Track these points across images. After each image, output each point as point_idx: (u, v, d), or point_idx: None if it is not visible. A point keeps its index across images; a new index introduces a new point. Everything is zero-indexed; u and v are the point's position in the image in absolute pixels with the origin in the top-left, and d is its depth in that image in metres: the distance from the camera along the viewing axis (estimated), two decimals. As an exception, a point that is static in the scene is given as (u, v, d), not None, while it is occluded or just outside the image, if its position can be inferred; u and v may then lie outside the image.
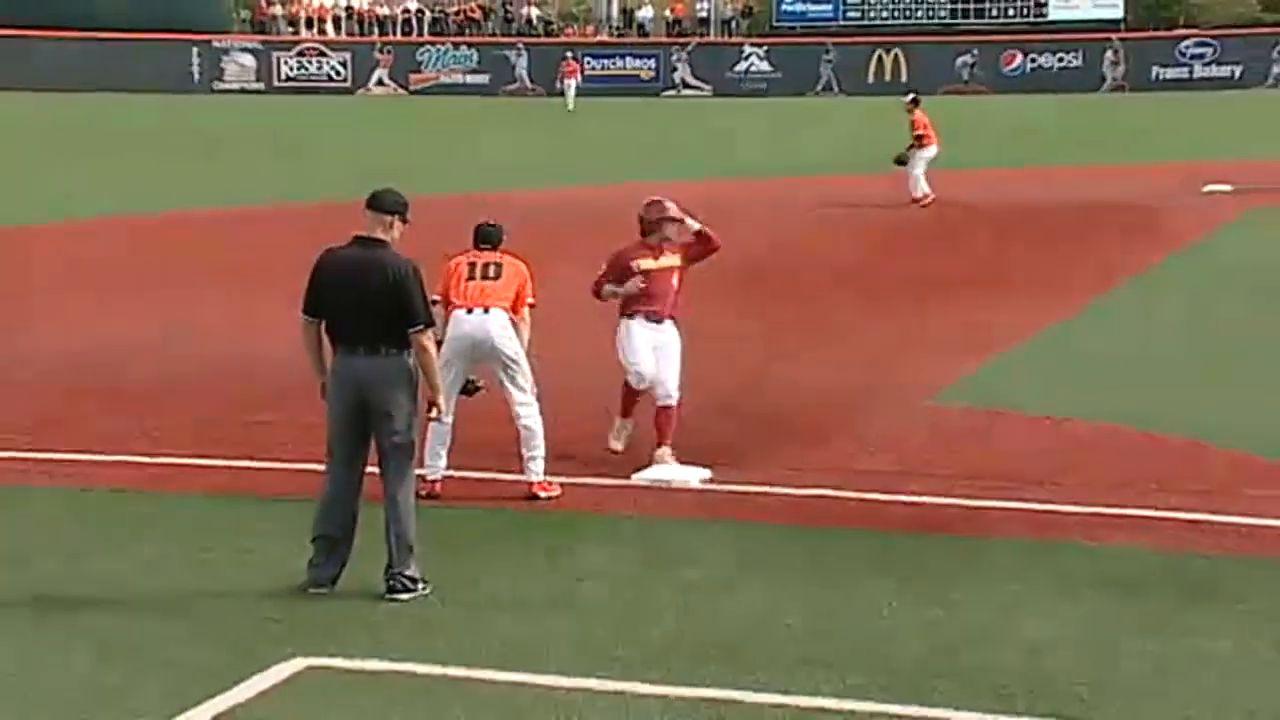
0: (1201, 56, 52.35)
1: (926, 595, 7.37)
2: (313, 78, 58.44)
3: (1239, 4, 68.75)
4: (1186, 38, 55.26)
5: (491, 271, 9.17)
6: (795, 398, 10.58)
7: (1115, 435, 10.25)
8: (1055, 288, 16.22)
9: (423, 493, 9.04)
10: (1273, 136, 34.10)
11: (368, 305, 7.39)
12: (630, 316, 9.69)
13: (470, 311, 9.06)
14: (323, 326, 7.58)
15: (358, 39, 62.55)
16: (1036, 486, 9.14)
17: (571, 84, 49.76)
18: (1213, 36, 55.30)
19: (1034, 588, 7.45)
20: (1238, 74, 51.71)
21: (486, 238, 9.36)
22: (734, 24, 64.93)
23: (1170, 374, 12.15)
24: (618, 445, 9.65)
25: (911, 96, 25.97)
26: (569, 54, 54.29)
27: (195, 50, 57.53)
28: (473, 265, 9.21)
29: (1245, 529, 8.26)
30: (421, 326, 7.50)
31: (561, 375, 11.82)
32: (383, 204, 7.59)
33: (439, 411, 7.89)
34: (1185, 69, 50.52)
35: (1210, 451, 9.79)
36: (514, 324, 9.15)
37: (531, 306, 9.29)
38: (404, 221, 7.61)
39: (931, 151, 24.30)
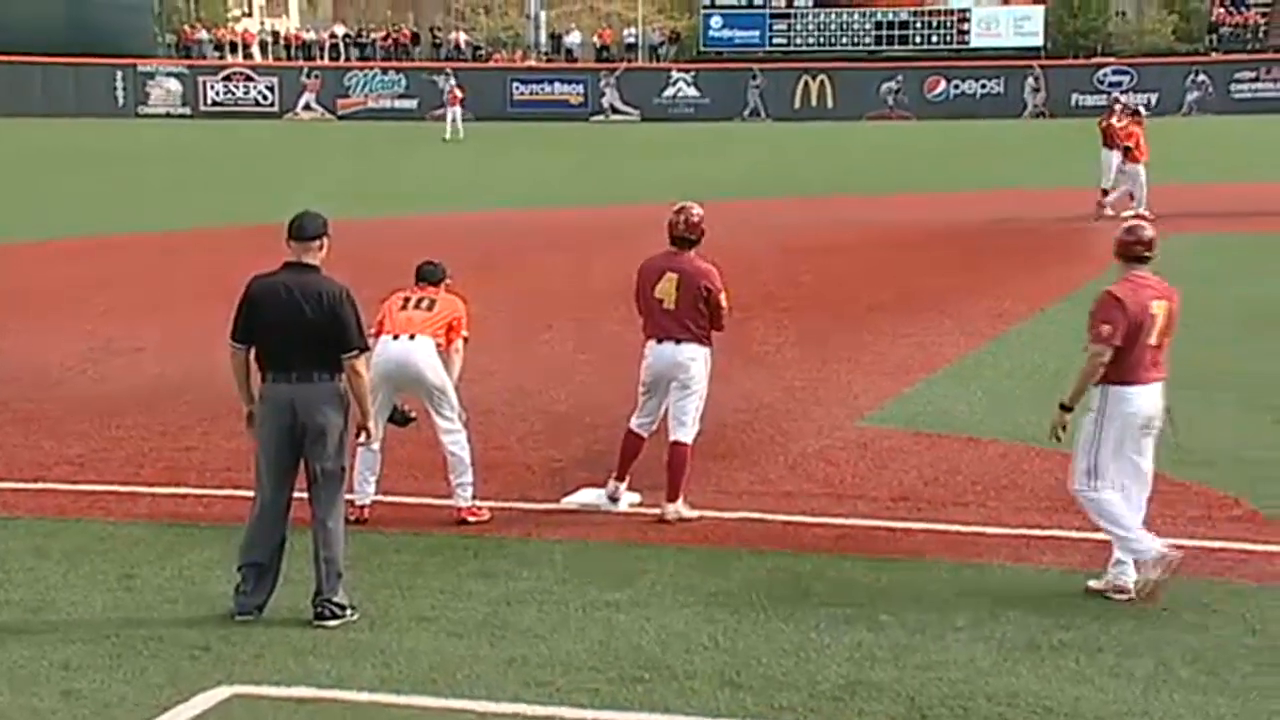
0: (1119, 84, 53.18)
1: (854, 617, 7.40)
2: (240, 102, 58.06)
3: (1154, 34, 70.04)
4: (1104, 66, 56.19)
5: (425, 304, 9.18)
6: (724, 420, 10.59)
7: (1040, 456, 10.35)
8: (983, 310, 16.40)
9: (351, 518, 8.98)
10: (1189, 163, 34.72)
11: (302, 330, 7.34)
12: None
13: (396, 338, 9.04)
14: (251, 353, 7.52)
15: (285, 63, 62.27)
16: (964, 508, 9.22)
17: (454, 112, 48.23)
18: (1129, 65, 56.29)
19: (961, 609, 7.50)
20: (1154, 101, 52.56)
21: (426, 276, 9.36)
22: (662, 50, 65.28)
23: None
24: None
25: (1134, 109, 26.17)
26: (451, 82, 53.89)
27: (119, 74, 57.00)
28: (407, 299, 9.23)
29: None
30: (357, 352, 7.46)
31: (493, 397, 11.81)
32: (306, 230, 7.54)
33: (369, 436, 7.86)
34: (1103, 96, 51.25)
35: (1131, 472, 9.89)
36: (443, 355, 9.12)
37: (465, 340, 9.25)
38: (326, 240, 7.58)
39: (1137, 168, 24.47)
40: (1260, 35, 59.03)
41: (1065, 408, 7.81)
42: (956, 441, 10.85)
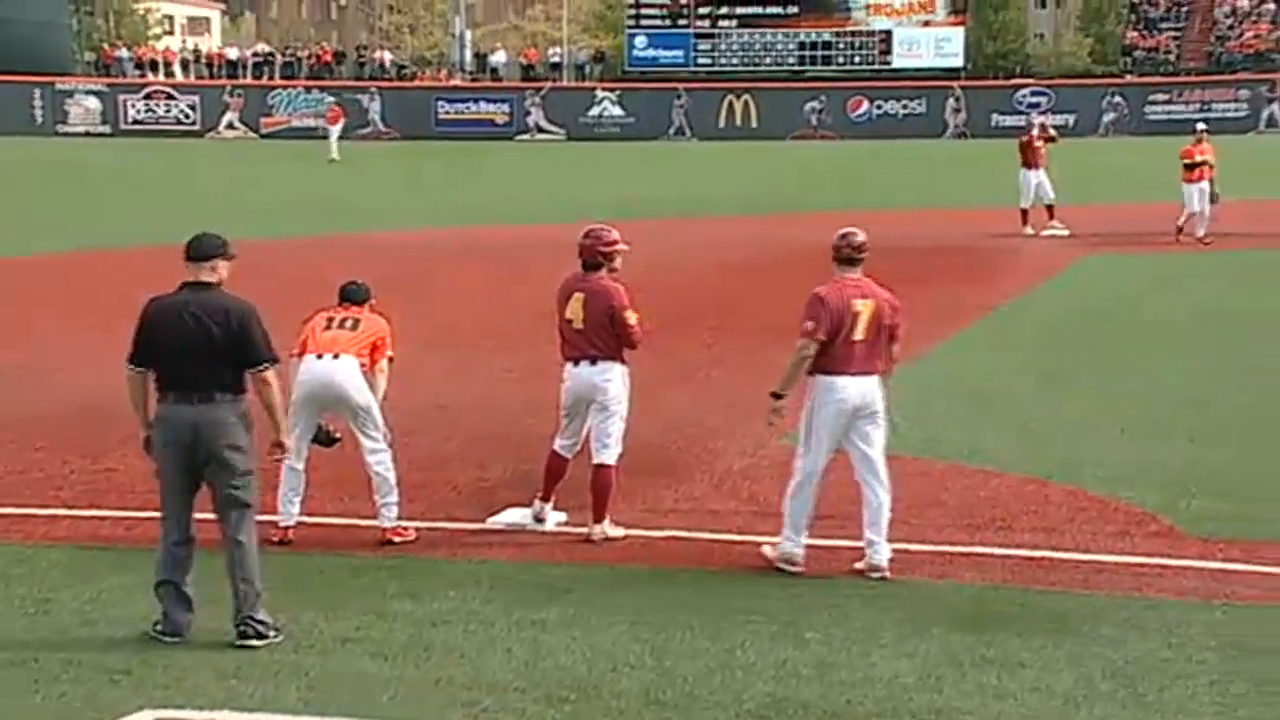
0: (1038, 105, 53.95)
1: (778, 634, 7.43)
2: (161, 121, 57.52)
3: (1071, 56, 71.22)
4: (1023, 87, 57.00)
5: (349, 324, 9.11)
6: (650, 438, 10.60)
7: (961, 474, 10.45)
8: (910, 327, 16.46)
9: (275, 539, 8.91)
10: (1104, 183, 35.27)
11: (207, 350, 7.26)
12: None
13: (320, 357, 8.98)
14: (150, 376, 7.42)
15: (207, 82, 61.77)
16: (888, 526, 9.27)
17: (335, 130, 47.25)
18: (1048, 86, 57.14)
19: (884, 626, 7.55)
20: (1071, 122, 53.38)
21: (350, 296, 9.30)
22: (587, 69, 65.41)
23: (1012, 414, 12.44)
24: None
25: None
26: (332, 100, 53.55)
27: (38, 92, 56.28)
28: (331, 319, 9.16)
29: (1084, 564, 8.47)
30: (267, 364, 7.40)
31: (418, 417, 11.75)
32: (202, 251, 7.46)
33: (284, 450, 7.78)
34: (1022, 117, 51.94)
35: (1051, 489, 10.04)
36: (368, 375, 9.07)
37: (390, 360, 9.20)
38: (227, 260, 7.51)
39: (1195, 188, 24.22)
40: (1172, 58, 60.13)
41: (776, 395, 8.45)
42: (880, 459, 10.91)
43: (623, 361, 9.11)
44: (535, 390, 12.06)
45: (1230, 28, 60.34)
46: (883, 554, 8.32)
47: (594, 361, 9.03)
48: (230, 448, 7.29)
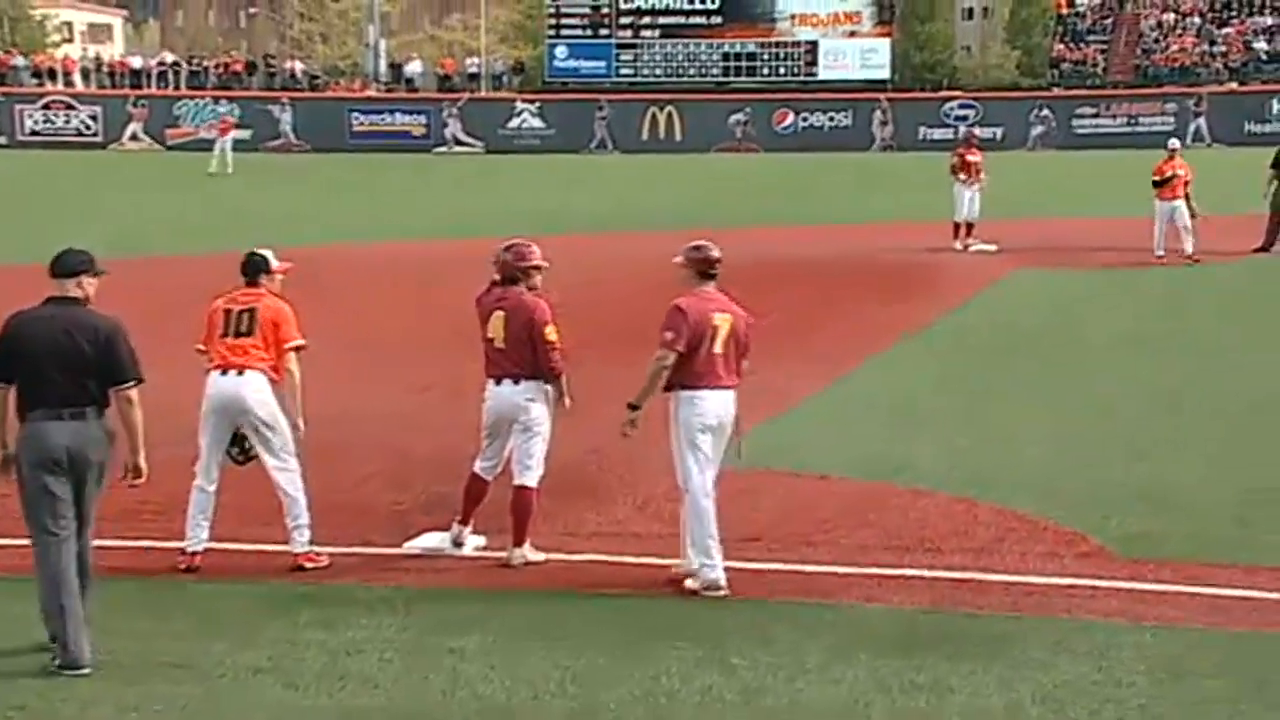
0: (965, 118, 54.56)
1: (703, 660, 7.45)
2: (60, 132, 56.78)
3: (998, 68, 72.18)
4: (951, 99, 57.66)
5: (245, 324, 8.94)
6: (572, 459, 10.59)
7: (889, 494, 10.53)
8: (835, 346, 16.66)
9: (182, 566, 8.82)
10: (1033, 197, 35.73)
11: (80, 366, 7.23)
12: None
13: (225, 373, 8.89)
14: (10, 392, 7.33)
15: (109, 92, 61.02)
16: (814, 547, 9.34)
17: (224, 142, 46.41)
18: (975, 99, 57.85)
19: (810, 651, 7.58)
20: (999, 136, 54.04)
21: (248, 271, 9.13)
22: (505, 80, 65.38)
23: (941, 432, 12.56)
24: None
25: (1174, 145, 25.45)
26: (223, 111, 53.16)
27: (-70, 102, 55.42)
28: (228, 314, 8.99)
29: (1014, 586, 8.56)
30: (134, 383, 7.39)
31: (332, 438, 11.66)
32: (66, 267, 7.45)
33: (138, 474, 7.57)
34: (950, 130, 52.64)
35: (979, 509, 10.14)
36: (275, 382, 8.96)
37: (298, 349, 9.02)
38: (94, 276, 7.47)
39: (1168, 205, 23.81)
40: (1099, 71, 61.11)
41: (633, 406, 8.66)
42: (808, 479, 11.00)
43: (548, 381, 9.11)
44: (455, 409, 12.02)
45: (1156, 41, 61.44)
46: (718, 570, 8.51)
47: (516, 380, 9.02)
48: (99, 464, 7.32)
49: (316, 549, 9.00)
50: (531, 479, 9.06)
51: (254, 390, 8.88)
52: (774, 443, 12.19)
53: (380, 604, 8.32)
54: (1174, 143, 25.56)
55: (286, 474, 8.98)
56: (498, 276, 9.20)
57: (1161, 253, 23.90)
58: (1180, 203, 23.91)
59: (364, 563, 9.11)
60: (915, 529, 9.68)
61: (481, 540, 9.34)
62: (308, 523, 8.97)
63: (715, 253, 8.88)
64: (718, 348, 8.58)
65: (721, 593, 8.43)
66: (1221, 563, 8.88)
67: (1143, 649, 7.58)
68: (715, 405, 8.57)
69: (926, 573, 8.77)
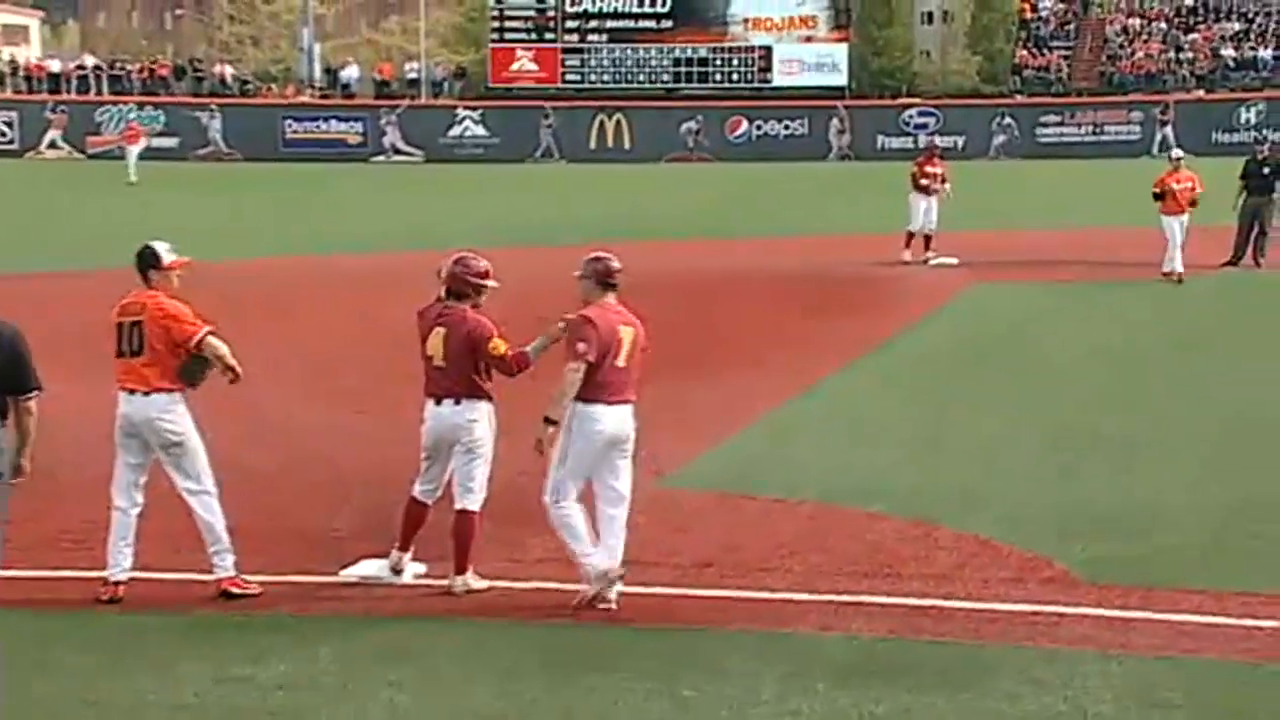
0: (925, 126, 54.95)
1: (654, 692, 7.44)
2: (-27, 139, 56.34)
3: (959, 74, 72.74)
4: (910, 107, 58.05)
5: (134, 342, 8.79)
6: (516, 482, 10.57)
7: (848, 518, 10.57)
8: (791, 362, 16.72)
9: (104, 597, 8.73)
10: (996, 208, 36.02)
11: None
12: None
13: (131, 393, 8.83)
14: None
15: (25, 96, 60.54)
16: (770, 573, 9.36)
17: (134, 150, 46.09)
18: (935, 106, 58.27)
19: (765, 681, 7.59)
20: (960, 144, 54.47)
21: (137, 264, 8.97)
22: (446, 86, 65.33)
23: (900, 453, 12.62)
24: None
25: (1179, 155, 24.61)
26: (131, 117, 52.81)
27: None
28: (120, 329, 8.86)
29: (976, 614, 8.61)
30: (36, 392, 7.52)
31: (264, 460, 11.60)
32: None
33: (22, 475, 7.63)
34: (910, 139, 53.03)
35: (940, 533, 10.19)
36: (185, 404, 8.85)
37: (203, 338, 8.72)
38: None
39: (1175, 220, 23.04)
40: (1063, 78, 61.69)
41: (549, 421, 8.65)
42: (763, 502, 11.02)
43: (490, 400, 9.10)
44: (393, 431, 11.98)
45: (1121, 47, 62.11)
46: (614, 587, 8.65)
47: (457, 400, 9.00)
48: (4, 473, 7.36)
49: (246, 577, 8.94)
50: (474, 503, 9.04)
51: (158, 410, 8.79)
52: (727, 464, 12.23)
53: (315, 634, 8.27)
54: (1177, 152, 24.83)
55: (201, 497, 8.90)
56: (443, 291, 9.18)
57: (1181, 269, 22.99)
58: (1186, 216, 23.25)
59: (298, 591, 9.05)
60: (874, 554, 9.72)
61: (421, 567, 9.30)
62: (228, 545, 8.89)
63: (615, 263, 9.02)
64: (621, 361, 8.72)
65: (616, 577, 8.59)
66: (1190, 588, 8.95)
67: (1110, 678, 7.63)
68: (613, 421, 8.69)
69: (885, 599, 8.81)
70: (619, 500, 8.83)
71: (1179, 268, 23.01)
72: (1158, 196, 23.62)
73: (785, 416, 14.13)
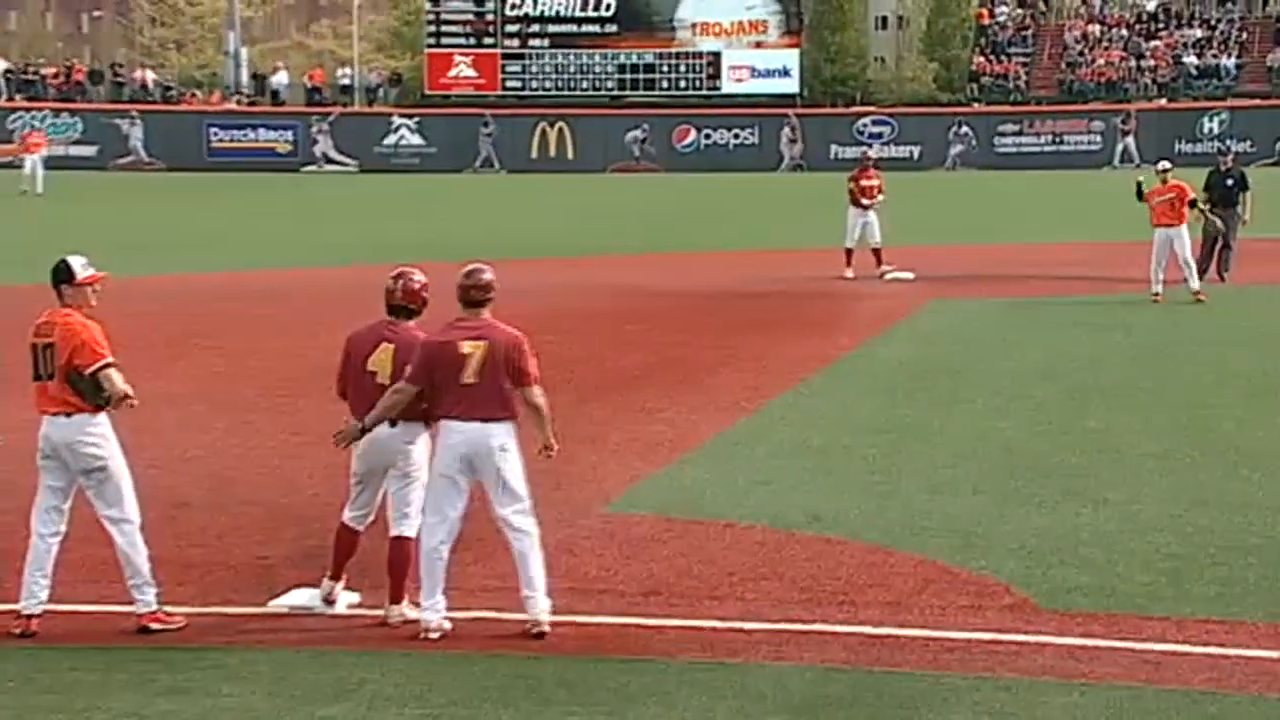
0: (880, 135, 55.36)
1: (601, 726, 7.45)
2: (-124, 146, 55.71)
3: (915, 82, 73.28)
4: (864, 116, 58.44)
5: (47, 366, 8.73)
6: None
7: (801, 543, 10.61)
8: (741, 383, 16.77)
9: (16, 631, 8.66)
10: (954, 221, 36.30)
11: None
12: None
13: (54, 415, 8.78)
14: None
15: (-70, 103, 60.04)
16: (720, 602, 9.39)
17: (34, 160, 45.45)
18: (890, 115, 58.69)
19: (716, 714, 7.61)
20: (916, 154, 54.91)
21: (52, 278, 8.92)
22: (381, 92, 65.24)
23: (855, 475, 12.68)
24: None
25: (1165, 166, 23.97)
26: (32, 124, 52.40)
27: None
28: (34, 350, 8.81)
29: (933, 642, 8.66)
30: None
31: (190, 487, 11.53)
32: None
33: None
34: (864, 149, 53.36)
35: (895, 558, 10.25)
36: (104, 427, 8.80)
37: (104, 368, 8.68)
38: None
39: (1164, 234, 22.57)
40: (1022, 86, 62.27)
41: (363, 429, 8.94)
42: (712, 528, 11.05)
43: (425, 422, 9.10)
44: (324, 454, 11.94)
45: (1081, 54, 62.77)
46: (540, 605, 8.71)
47: (394, 422, 9.00)
48: None
49: (169, 609, 8.89)
50: (410, 528, 9.04)
51: (79, 432, 8.74)
52: (674, 488, 12.26)
53: (243, 669, 8.23)
54: (1163, 164, 24.25)
55: (122, 526, 8.83)
56: (389, 308, 9.19)
57: (1159, 290, 22.79)
58: (1183, 229, 22.90)
59: (225, 623, 9.01)
60: (828, 580, 9.77)
61: (355, 597, 9.28)
62: (149, 578, 8.83)
63: (485, 276, 8.99)
64: (468, 378, 8.73)
65: (434, 635, 8.63)
66: (1152, 615, 9.04)
67: (1071, 709, 7.70)
68: (465, 438, 8.73)
69: (840, 628, 8.85)
70: (517, 535, 8.81)
71: (1156, 288, 22.83)
72: (1155, 200, 23.13)
73: (735, 438, 14.18)
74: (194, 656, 8.45)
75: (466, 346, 8.77)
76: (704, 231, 35.38)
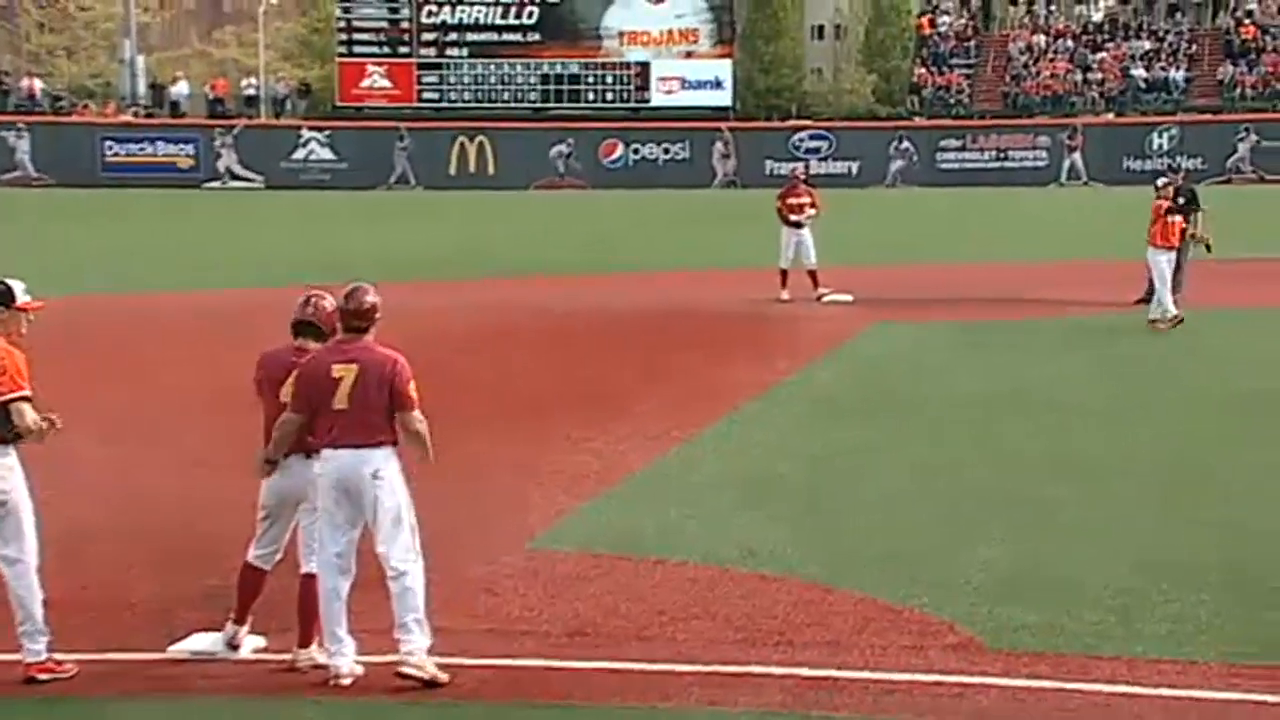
0: (817, 150, 55.70)
1: (524, 776, 7.44)
2: None
3: (853, 94, 73.79)
4: (800, 129, 58.78)
5: None
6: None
7: (735, 580, 10.63)
8: (671, 410, 16.80)
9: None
10: (895, 240, 36.54)
11: None
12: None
13: None
14: None
15: None
16: (649, 642, 9.39)
17: None
18: (828, 129, 59.06)
19: (646, 760, 7.62)
20: (855, 170, 55.28)
21: None
22: (289, 104, 65.00)
23: (792, 508, 12.72)
24: None
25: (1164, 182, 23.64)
26: None
27: None
28: None
29: (874, 684, 8.70)
30: None
31: (85, 522, 11.42)
32: None
33: None
34: (801, 164, 53.69)
35: (834, 596, 10.29)
36: (14, 448, 8.71)
37: (17, 400, 8.65)
38: None
39: (1164, 255, 22.38)
40: (965, 99, 62.87)
41: (268, 462, 8.97)
42: (641, 564, 11.06)
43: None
44: (227, 487, 11.86)
45: (1026, 66, 63.46)
46: (417, 642, 8.66)
47: (308, 454, 8.96)
48: None
49: (59, 656, 8.79)
50: None
51: None
52: (602, 522, 12.26)
53: (140, 719, 8.14)
54: (1163, 180, 24.08)
55: (17, 567, 8.73)
56: (294, 332, 9.16)
57: (1176, 312, 22.49)
58: (1184, 251, 22.83)
59: (121, 670, 8.92)
60: (763, 620, 9.79)
61: (261, 640, 9.21)
62: (41, 625, 8.73)
63: (359, 302, 8.88)
64: (340, 403, 8.73)
65: (346, 681, 8.60)
66: (1102, 655, 9.13)
67: (1018, 752, 7.75)
68: (339, 465, 8.73)
69: (777, 670, 8.87)
70: (393, 575, 8.74)
71: (1171, 309, 22.56)
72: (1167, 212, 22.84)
73: (665, 469, 14.20)
74: (86, 708, 8.37)
75: (337, 370, 8.77)
76: (632, 251, 35.44)
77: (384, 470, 8.76)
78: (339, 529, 8.80)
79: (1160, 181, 23.97)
